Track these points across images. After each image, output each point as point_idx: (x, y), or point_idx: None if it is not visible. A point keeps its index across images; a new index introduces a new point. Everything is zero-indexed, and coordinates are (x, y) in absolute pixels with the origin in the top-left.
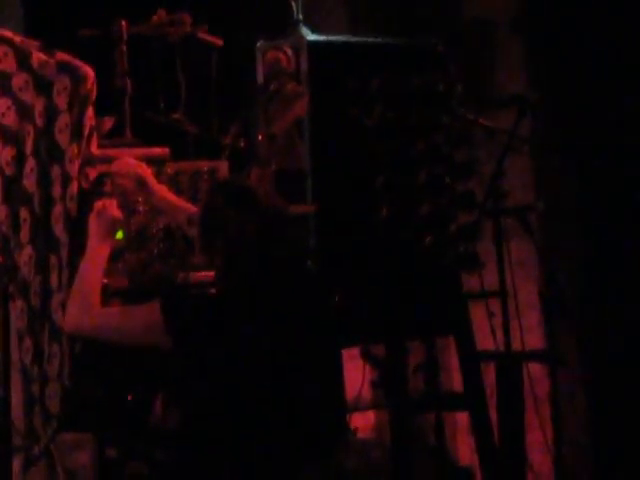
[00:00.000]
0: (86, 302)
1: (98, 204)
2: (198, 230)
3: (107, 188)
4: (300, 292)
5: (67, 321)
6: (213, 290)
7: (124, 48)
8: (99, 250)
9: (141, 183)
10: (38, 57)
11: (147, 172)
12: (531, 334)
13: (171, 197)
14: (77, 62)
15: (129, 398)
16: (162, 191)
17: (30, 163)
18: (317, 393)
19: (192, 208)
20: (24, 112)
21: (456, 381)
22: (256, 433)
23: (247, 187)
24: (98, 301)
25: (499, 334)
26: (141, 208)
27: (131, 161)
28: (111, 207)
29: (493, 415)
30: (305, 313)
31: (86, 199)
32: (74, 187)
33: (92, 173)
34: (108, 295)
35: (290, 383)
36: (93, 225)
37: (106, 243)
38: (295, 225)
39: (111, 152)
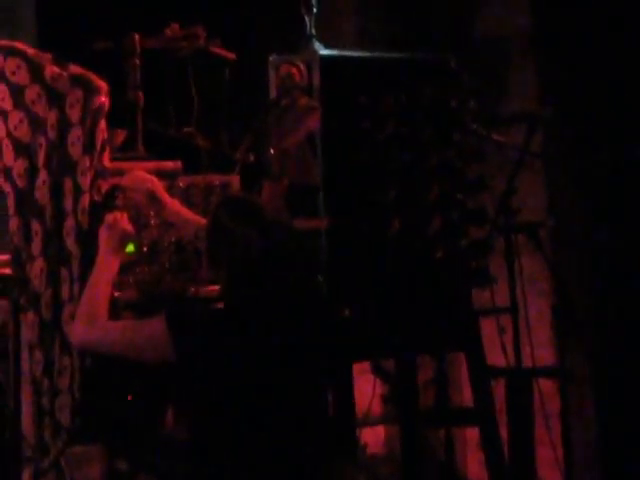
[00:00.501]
0: (93, 315)
1: (109, 217)
2: (205, 245)
3: (119, 201)
4: (304, 308)
5: (74, 334)
6: (219, 304)
7: (137, 61)
8: (109, 263)
9: (152, 196)
10: (51, 70)
11: (158, 185)
12: (542, 350)
13: (182, 210)
14: (90, 75)
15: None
16: (173, 204)
17: (42, 175)
18: (319, 408)
19: (203, 221)
20: (37, 125)
21: (466, 396)
22: (262, 447)
23: (253, 203)
24: (105, 314)
25: (509, 350)
26: (153, 222)
27: (142, 174)
28: (122, 220)
29: (503, 431)
30: (308, 329)
31: (98, 212)
32: (86, 200)
33: (104, 186)
34: (119, 308)
35: (294, 398)
36: (103, 238)
37: (116, 257)
38: (305, 240)
39: (123, 165)
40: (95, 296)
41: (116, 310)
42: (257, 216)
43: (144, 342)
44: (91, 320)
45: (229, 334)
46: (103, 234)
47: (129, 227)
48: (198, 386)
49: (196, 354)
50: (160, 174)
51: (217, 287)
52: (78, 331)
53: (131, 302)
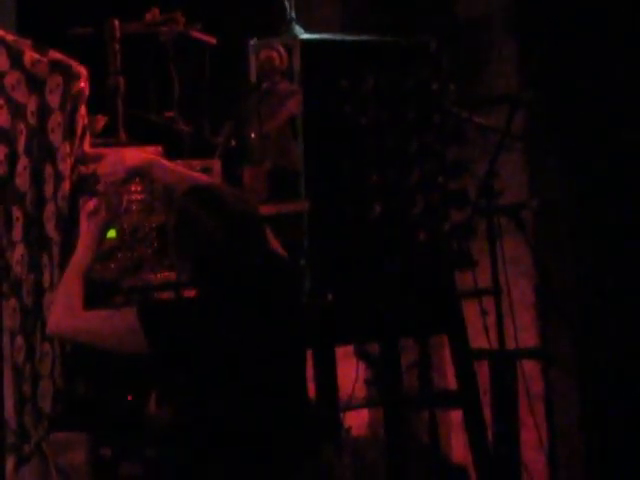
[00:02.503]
0: (69, 304)
1: (89, 204)
2: (170, 234)
3: (99, 187)
4: (272, 291)
5: (49, 321)
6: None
7: (117, 47)
8: (87, 251)
9: (137, 174)
10: (30, 56)
11: (139, 159)
12: (525, 332)
13: (180, 169)
14: (70, 61)
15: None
16: (167, 168)
17: (23, 162)
18: (298, 391)
19: (203, 177)
20: (16, 111)
21: (450, 379)
22: (242, 432)
23: (216, 190)
24: (81, 304)
25: (492, 332)
26: (134, 207)
27: (119, 156)
28: (102, 206)
29: (487, 413)
30: (278, 312)
31: (77, 198)
32: (66, 186)
33: (85, 172)
34: (101, 294)
35: (270, 381)
36: (84, 225)
37: (95, 245)
38: (283, 224)
39: (104, 151)
40: (72, 285)
41: (97, 297)
42: (221, 203)
43: (118, 333)
44: (67, 309)
45: (200, 323)
46: (83, 221)
47: (109, 213)
48: (175, 376)
49: (169, 345)
50: None
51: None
52: (54, 319)
53: (113, 288)
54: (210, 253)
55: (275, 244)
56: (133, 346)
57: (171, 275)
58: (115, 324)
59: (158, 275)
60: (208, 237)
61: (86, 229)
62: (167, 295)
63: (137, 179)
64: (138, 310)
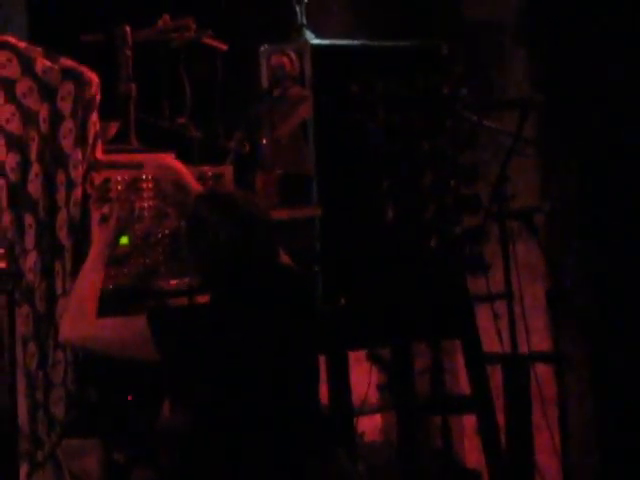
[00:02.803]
0: (81, 312)
1: (100, 211)
2: (184, 238)
3: (112, 194)
4: (284, 297)
5: (61, 329)
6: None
7: (128, 53)
8: (99, 259)
9: (178, 185)
10: (42, 63)
11: (186, 173)
12: (538, 336)
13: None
14: (81, 68)
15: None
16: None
17: (35, 169)
18: (310, 396)
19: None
20: (28, 118)
21: (463, 384)
22: (256, 438)
23: (229, 195)
24: (93, 311)
25: (505, 336)
26: (146, 214)
27: (169, 161)
28: (114, 213)
29: (500, 417)
30: (289, 317)
31: (90, 205)
32: (78, 193)
33: (97, 178)
34: (113, 301)
35: (282, 387)
36: (96, 231)
37: (106, 251)
38: (295, 229)
39: (116, 157)
40: (84, 292)
41: (110, 303)
42: (233, 208)
43: (128, 341)
44: (79, 316)
45: (210, 331)
46: (95, 227)
47: (121, 220)
48: (187, 383)
49: (180, 353)
50: None
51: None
52: (66, 327)
53: (125, 295)
54: (222, 257)
55: (284, 258)
56: (144, 354)
57: (183, 281)
58: (126, 332)
59: (170, 281)
60: (220, 242)
61: (98, 236)
62: (179, 301)
63: (149, 185)
64: (148, 318)
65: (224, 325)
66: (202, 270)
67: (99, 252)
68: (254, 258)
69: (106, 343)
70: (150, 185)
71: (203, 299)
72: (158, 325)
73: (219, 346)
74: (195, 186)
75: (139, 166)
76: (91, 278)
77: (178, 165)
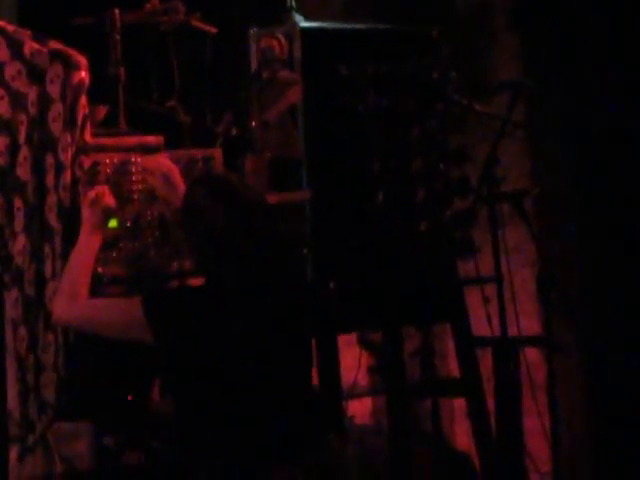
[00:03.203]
0: (73, 293)
1: (90, 193)
2: (181, 224)
3: (100, 176)
4: (279, 283)
5: (54, 310)
6: (194, 281)
7: (117, 36)
8: (90, 240)
9: (168, 180)
10: (31, 46)
11: (175, 172)
12: (527, 320)
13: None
14: (70, 51)
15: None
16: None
17: (24, 152)
18: (303, 381)
19: None
20: (17, 101)
21: (453, 367)
22: (246, 422)
23: (224, 179)
24: (86, 292)
25: (495, 320)
26: (136, 196)
27: (163, 159)
28: (104, 196)
29: (490, 401)
30: (283, 303)
31: (79, 188)
32: (67, 176)
33: (86, 162)
34: (104, 284)
35: (274, 372)
36: (85, 214)
37: (98, 233)
38: (285, 214)
39: (105, 141)
40: (76, 273)
41: (100, 286)
42: (228, 192)
43: (123, 322)
44: (72, 297)
45: (204, 314)
46: (85, 210)
47: (111, 203)
48: (179, 366)
49: (172, 335)
50: (142, 149)
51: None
52: (59, 308)
53: (115, 277)
54: (218, 241)
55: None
56: (137, 335)
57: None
58: (120, 313)
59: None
60: (217, 225)
61: (87, 218)
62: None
63: (138, 168)
64: (143, 299)
65: (219, 308)
66: (199, 254)
67: (88, 234)
68: (249, 242)
69: (99, 323)
70: (139, 169)
71: (194, 282)
72: (152, 307)
73: (213, 329)
74: (181, 186)
75: (128, 149)
76: (82, 260)
77: (172, 165)
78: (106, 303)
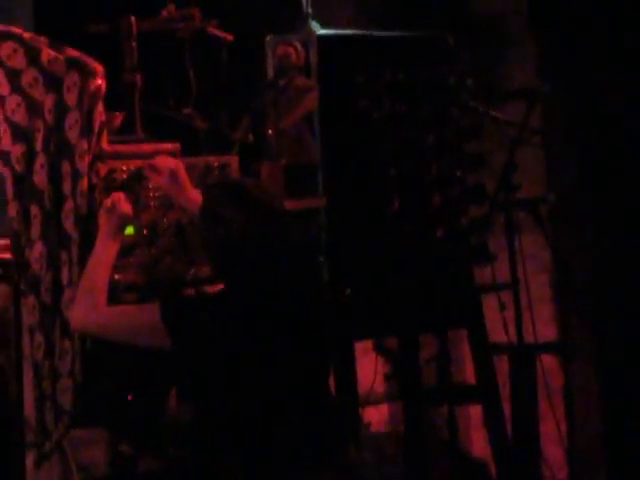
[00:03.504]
0: (91, 300)
1: (107, 200)
2: (199, 230)
3: (117, 184)
4: (298, 289)
5: (73, 318)
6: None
7: (134, 44)
8: (108, 247)
9: (174, 178)
10: (48, 53)
11: (182, 169)
12: (544, 326)
13: (198, 197)
14: (87, 58)
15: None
16: (191, 190)
17: (40, 159)
18: (321, 388)
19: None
20: (34, 109)
21: (469, 374)
22: (265, 429)
23: (241, 184)
24: (104, 299)
25: (511, 327)
26: (152, 203)
27: (168, 157)
28: (121, 203)
29: (506, 408)
30: (301, 310)
31: (96, 195)
32: (84, 183)
33: (103, 169)
34: (120, 291)
35: (294, 378)
36: (103, 221)
37: (115, 240)
38: (303, 220)
39: (122, 148)
40: (94, 280)
41: (117, 293)
42: (246, 198)
43: (141, 329)
44: (90, 304)
45: (223, 319)
46: (102, 217)
47: (128, 209)
48: (197, 372)
49: (191, 342)
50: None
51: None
52: (77, 315)
53: (132, 285)
54: (235, 247)
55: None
56: (156, 342)
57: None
58: (138, 320)
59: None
60: (234, 231)
61: (104, 224)
62: (187, 291)
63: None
64: (161, 306)
65: (235, 316)
66: (216, 260)
67: (105, 241)
68: (268, 247)
69: (118, 330)
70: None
71: (211, 289)
72: (170, 313)
73: (231, 336)
74: (190, 187)
75: (145, 156)
76: (99, 267)
77: (178, 163)
78: (124, 310)
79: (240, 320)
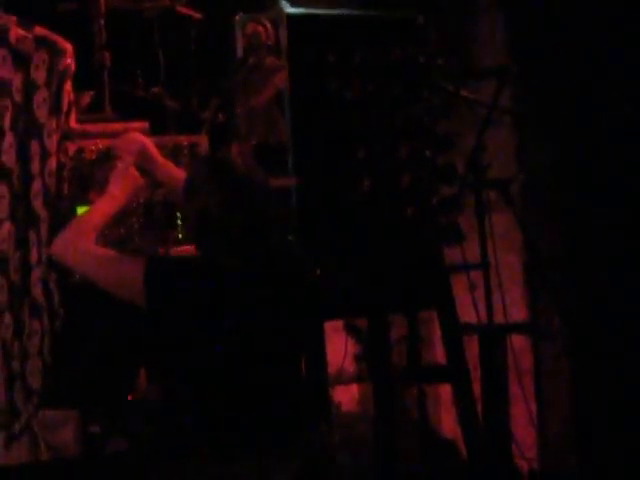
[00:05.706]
0: (81, 234)
1: (121, 164)
2: (183, 206)
3: (86, 163)
4: (278, 269)
5: (56, 244)
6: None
7: (102, 22)
8: (114, 198)
9: (145, 155)
10: (16, 32)
11: (151, 145)
12: (514, 307)
13: (174, 169)
14: (55, 37)
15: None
16: (165, 164)
17: (9, 138)
18: (293, 369)
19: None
20: (2, 87)
21: (439, 354)
22: (234, 406)
23: (228, 161)
24: (93, 238)
25: (481, 307)
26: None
27: (134, 135)
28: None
29: (476, 388)
30: (279, 287)
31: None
32: (53, 162)
33: (72, 148)
34: None
35: (262, 359)
36: (117, 177)
37: (124, 194)
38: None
39: (90, 127)
40: (90, 217)
41: None
42: (232, 174)
43: (120, 279)
44: (78, 238)
45: (200, 292)
46: (117, 174)
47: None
48: (167, 340)
49: (165, 308)
50: None
51: (186, 247)
52: (62, 244)
53: None
54: (214, 217)
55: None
56: (130, 297)
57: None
58: (119, 271)
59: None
60: (214, 203)
61: (119, 179)
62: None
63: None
64: (146, 265)
65: (214, 289)
66: (195, 231)
67: (112, 192)
68: (248, 221)
69: (96, 271)
70: None
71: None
72: (153, 277)
73: (205, 310)
74: (164, 161)
75: (113, 135)
76: (98, 211)
77: (144, 137)
78: (109, 254)
79: (215, 295)
